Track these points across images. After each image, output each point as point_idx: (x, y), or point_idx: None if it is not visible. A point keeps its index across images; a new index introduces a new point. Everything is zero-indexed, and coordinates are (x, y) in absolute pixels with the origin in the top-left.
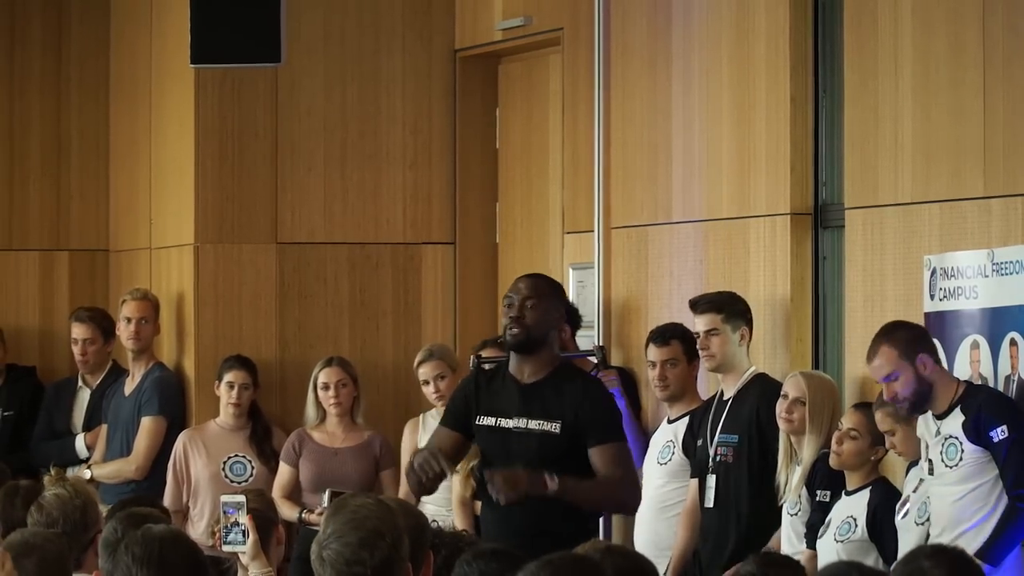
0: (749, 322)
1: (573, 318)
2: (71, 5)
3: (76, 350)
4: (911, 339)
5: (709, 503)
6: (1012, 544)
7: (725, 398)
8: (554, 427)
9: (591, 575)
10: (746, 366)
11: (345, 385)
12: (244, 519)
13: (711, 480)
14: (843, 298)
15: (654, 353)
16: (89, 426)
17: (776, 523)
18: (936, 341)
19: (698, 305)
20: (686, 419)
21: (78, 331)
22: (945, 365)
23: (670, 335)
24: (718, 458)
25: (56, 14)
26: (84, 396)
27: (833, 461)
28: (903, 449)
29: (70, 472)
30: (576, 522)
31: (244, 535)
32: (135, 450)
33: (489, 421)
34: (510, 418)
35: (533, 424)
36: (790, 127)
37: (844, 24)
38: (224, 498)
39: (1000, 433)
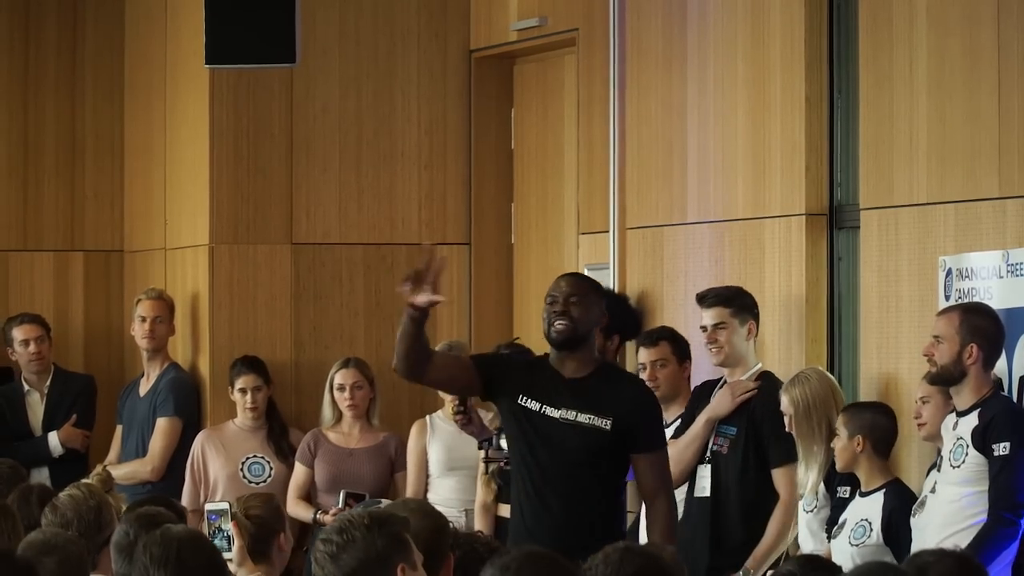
0: (756, 317)
1: (629, 326)
2: (85, 6)
3: (27, 351)
4: (979, 328)
5: (703, 492)
6: (988, 560)
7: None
8: (605, 423)
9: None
10: (753, 362)
11: (360, 387)
12: (228, 525)
13: (705, 470)
14: (858, 299)
15: (643, 355)
16: (51, 427)
17: (767, 515)
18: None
19: (706, 299)
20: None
21: (28, 331)
22: (1002, 368)
23: (658, 336)
24: (714, 447)
25: (71, 15)
26: (34, 399)
27: (837, 466)
28: (927, 419)
29: (35, 474)
30: (606, 539)
31: (229, 541)
32: (151, 451)
33: (534, 405)
34: (556, 408)
35: (583, 417)
36: (805, 128)
37: (859, 24)
38: (208, 505)
39: (1002, 449)
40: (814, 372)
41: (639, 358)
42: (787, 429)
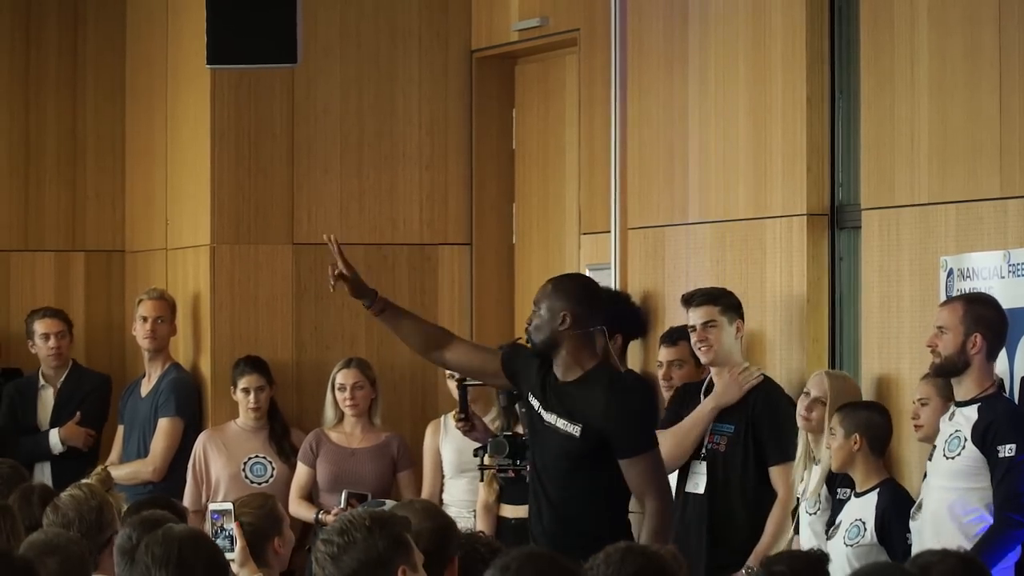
0: (742, 317)
1: (629, 325)
2: (86, 6)
3: (47, 345)
4: (983, 317)
5: (698, 489)
6: (993, 562)
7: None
8: (575, 430)
9: (568, 574)
10: (739, 361)
11: (361, 387)
12: (231, 525)
13: (700, 467)
14: (859, 298)
15: (663, 353)
16: (57, 423)
17: (767, 513)
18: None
19: (694, 299)
20: None
21: (49, 326)
22: (1003, 368)
23: (678, 336)
24: (709, 445)
25: (72, 15)
26: (47, 394)
27: (833, 466)
28: (924, 422)
29: (37, 469)
30: (608, 524)
31: (232, 541)
32: (152, 451)
33: (535, 403)
34: (547, 410)
35: (560, 423)
36: (806, 128)
37: (860, 24)
38: (212, 505)
39: (1007, 451)
40: (851, 378)
41: (659, 356)
42: (806, 413)
